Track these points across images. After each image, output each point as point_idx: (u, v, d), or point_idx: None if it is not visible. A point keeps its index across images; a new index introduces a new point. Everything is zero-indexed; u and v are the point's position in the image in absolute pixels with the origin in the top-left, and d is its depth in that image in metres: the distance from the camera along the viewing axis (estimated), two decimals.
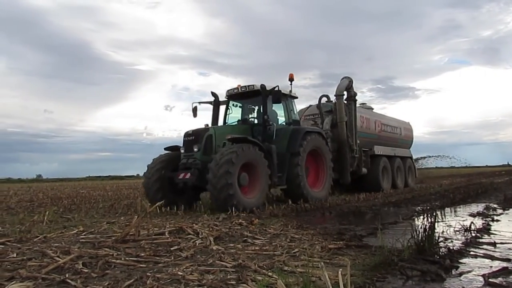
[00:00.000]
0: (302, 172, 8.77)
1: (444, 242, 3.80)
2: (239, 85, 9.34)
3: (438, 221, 4.30)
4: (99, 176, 68.82)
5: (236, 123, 9.56)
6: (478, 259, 3.30)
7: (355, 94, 12.22)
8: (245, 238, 4.43)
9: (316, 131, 9.81)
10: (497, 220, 5.58)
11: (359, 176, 12.27)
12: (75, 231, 5.12)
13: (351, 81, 12.02)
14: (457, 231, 4.62)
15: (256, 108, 9.68)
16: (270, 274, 2.82)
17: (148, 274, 2.93)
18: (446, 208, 7.13)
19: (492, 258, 3.28)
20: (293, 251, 3.66)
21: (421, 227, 3.41)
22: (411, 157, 16.25)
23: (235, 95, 9.57)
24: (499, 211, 6.65)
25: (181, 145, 8.32)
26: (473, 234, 4.38)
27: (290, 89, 9.61)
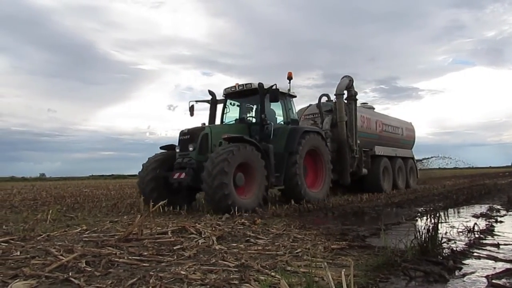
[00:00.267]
0: (300, 170, 8.62)
1: (448, 243, 3.79)
2: (236, 84, 9.21)
3: (441, 222, 4.30)
4: (102, 175, 69.13)
5: (233, 122, 9.42)
6: (481, 260, 3.29)
7: (356, 93, 12.02)
8: (248, 238, 4.43)
9: (315, 131, 9.69)
10: (501, 222, 5.55)
11: (360, 176, 12.11)
12: (78, 229, 5.14)
13: (351, 80, 11.81)
14: (460, 232, 4.61)
15: (254, 107, 9.53)
16: (273, 274, 2.82)
17: (151, 273, 2.94)
18: (449, 209, 7.10)
19: (496, 259, 3.27)
20: (296, 251, 3.66)
21: (424, 228, 3.41)
22: (412, 158, 16.03)
23: (232, 94, 9.42)
24: (503, 212, 6.62)
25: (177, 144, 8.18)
26: (477, 235, 4.36)
27: (288, 87, 9.45)
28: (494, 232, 4.61)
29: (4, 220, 6.64)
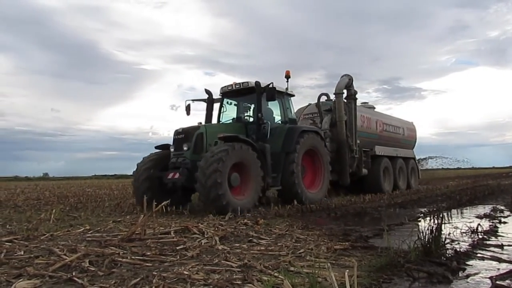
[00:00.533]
0: (298, 170, 8.45)
1: (451, 244, 3.78)
2: (233, 82, 9.10)
3: (444, 223, 4.27)
4: (105, 175, 69.17)
5: (230, 121, 9.29)
6: (485, 261, 3.27)
7: (355, 92, 11.82)
8: (251, 238, 4.43)
9: (313, 130, 9.56)
10: (505, 222, 5.52)
11: (360, 177, 11.95)
12: (81, 229, 5.16)
13: (351, 79, 11.63)
14: (464, 233, 4.60)
15: (252, 106, 9.27)
16: (276, 274, 2.82)
17: (154, 273, 2.95)
18: (453, 210, 7.08)
19: (500, 260, 3.25)
20: (299, 252, 3.66)
21: (427, 229, 3.39)
22: (414, 158, 15.87)
23: (229, 93, 9.26)
24: (507, 213, 6.59)
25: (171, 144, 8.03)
26: (480, 236, 4.34)
27: (286, 86, 9.36)
28: (497, 233, 4.59)
29: (7, 220, 6.68)
